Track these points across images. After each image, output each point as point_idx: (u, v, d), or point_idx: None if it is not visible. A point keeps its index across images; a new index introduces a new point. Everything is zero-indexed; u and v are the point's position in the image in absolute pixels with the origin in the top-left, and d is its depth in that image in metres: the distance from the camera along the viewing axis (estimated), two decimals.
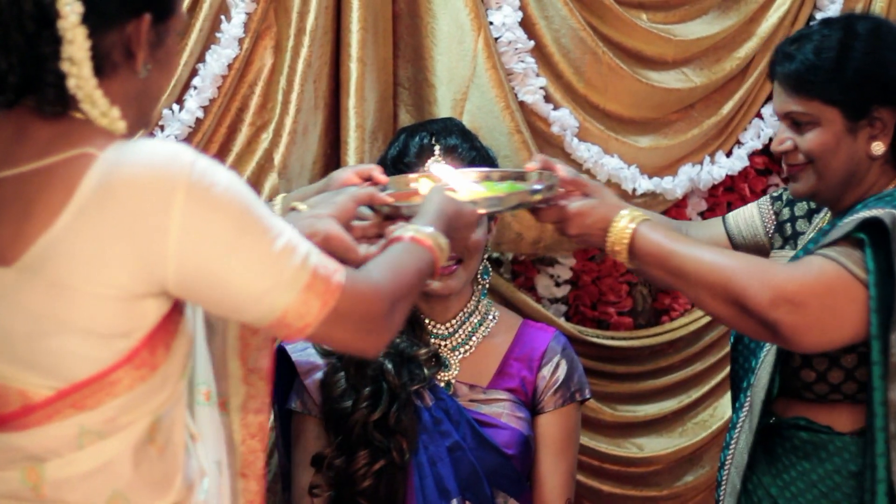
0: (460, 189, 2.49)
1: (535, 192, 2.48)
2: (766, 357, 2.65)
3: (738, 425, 2.74)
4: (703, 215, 3.76)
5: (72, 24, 1.80)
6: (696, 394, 3.78)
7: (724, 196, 3.79)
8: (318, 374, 2.88)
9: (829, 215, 2.79)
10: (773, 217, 2.93)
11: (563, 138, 3.44)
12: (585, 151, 3.47)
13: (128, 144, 1.82)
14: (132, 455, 1.86)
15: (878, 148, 2.63)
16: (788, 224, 2.88)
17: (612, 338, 3.66)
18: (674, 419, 3.78)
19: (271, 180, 3.16)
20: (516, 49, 3.35)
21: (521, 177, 2.58)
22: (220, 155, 3.14)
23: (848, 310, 2.41)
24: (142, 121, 1.95)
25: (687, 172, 3.63)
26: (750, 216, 2.98)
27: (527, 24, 3.37)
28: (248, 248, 1.82)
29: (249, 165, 3.15)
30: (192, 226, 1.77)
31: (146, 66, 1.90)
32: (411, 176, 2.61)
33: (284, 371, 2.93)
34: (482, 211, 2.44)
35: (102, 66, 1.84)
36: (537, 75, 3.39)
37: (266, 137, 3.18)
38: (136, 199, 1.76)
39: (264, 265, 1.83)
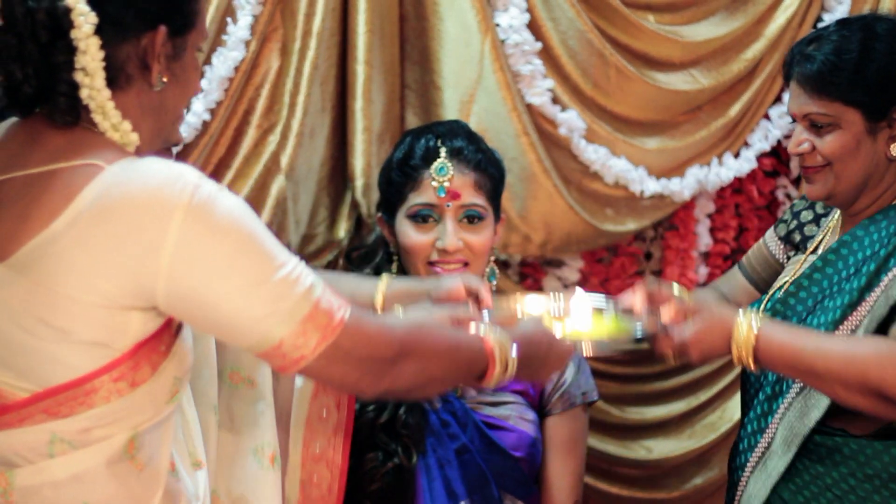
0: (570, 320, 2.46)
1: (638, 340, 2.45)
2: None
3: (766, 430, 2.71)
4: (711, 217, 3.76)
5: (85, 34, 1.80)
6: (704, 396, 3.77)
7: (732, 198, 3.78)
8: None
9: (838, 216, 2.78)
10: (782, 244, 2.92)
11: (570, 140, 3.43)
12: (593, 153, 3.46)
13: (136, 161, 1.82)
14: (107, 469, 1.85)
15: None
16: (796, 232, 2.88)
17: None
18: (682, 421, 3.77)
19: (278, 182, 3.16)
20: (523, 51, 3.34)
21: (628, 311, 2.52)
22: (227, 157, 3.14)
23: None
24: (159, 136, 1.94)
25: (695, 174, 3.62)
26: (762, 256, 2.97)
27: (534, 26, 3.36)
28: (244, 273, 1.80)
29: (256, 168, 3.15)
30: (186, 245, 1.76)
31: (161, 78, 1.89)
32: (517, 298, 2.57)
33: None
34: (579, 350, 2.41)
35: (116, 78, 1.85)
36: (544, 77, 3.39)
37: (273, 140, 3.18)
38: (134, 214, 1.75)
39: (261, 292, 1.81)
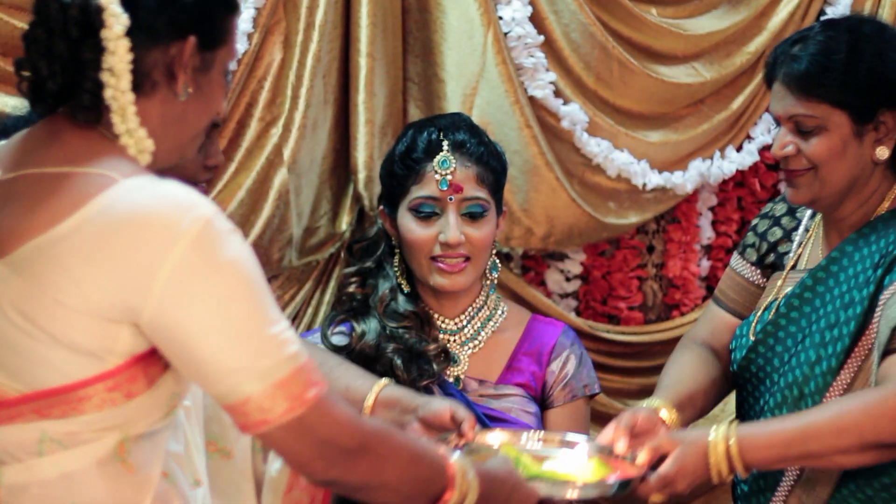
0: (548, 462, 2.46)
1: (614, 489, 2.40)
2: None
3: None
4: (714, 210, 3.76)
5: (116, 34, 1.80)
6: None
7: (735, 191, 3.78)
8: None
9: (818, 224, 2.74)
10: (756, 269, 2.86)
11: (572, 133, 3.43)
12: (595, 146, 3.46)
13: (155, 180, 1.80)
14: (97, 470, 1.83)
15: (883, 153, 2.60)
16: (769, 254, 2.83)
17: (623, 332, 3.66)
18: None
19: (281, 175, 3.16)
20: (526, 44, 3.34)
21: (608, 451, 2.51)
22: (230, 150, 3.13)
23: None
24: (175, 150, 1.92)
25: (697, 167, 3.63)
26: (736, 284, 2.89)
27: (536, 19, 3.36)
28: (233, 320, 1.77)
29: (259, 160, 3.14)
30: (183, 275, 1.74)
31: (187, 89, 1.88)
32: (495, 436, 2.59)
33: None
34: (545, 493, 2.35)
35: (141, 83, 1.84)
36: (547, 70, 3.39)
37: (275, 132, 3.17)
38: (139, 232, 1.74)
39: (244, 344, 1.77)
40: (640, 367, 3.70)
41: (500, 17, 3.32)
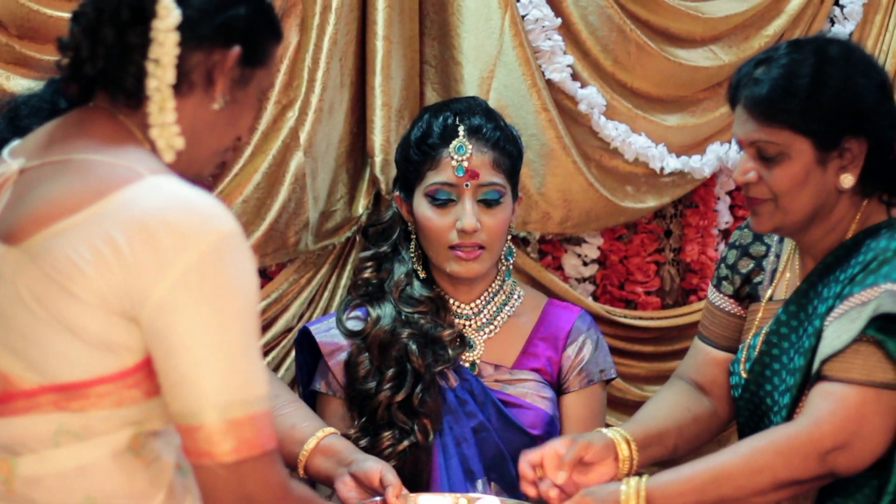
0: None
1: None
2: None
3: None
4: (732, 194, 3.74)
5: (167, 26, 1.81)
6: None
7: None
8: (343, 355, 2.88)
9: (793, 251, 2.69)
10: (730, 299, 2.81)
11: (590, 116, 3.42)
12: (613, 130, 3.45)
13: (183, 184, 1.80)
14: (112, 462, 1.82)
15: (847, 180, 2.50)
16: (744, 286, 2.78)
17: (640, 317, 3.65)
18: None
19: (297, 158, 3.16)
20: (543, 27, 3.33)
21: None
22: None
23: (889, 419, 2.40)
24: (192, 164, 1.91)
25: (715, 151, 3.61)
26: (719, 319, 2.83)
27: (554, 2, 3.35)
28: (219, 342, 1.75)
29: (275, 143, 3.14)
30: (186, 285, 1.73)
31: (224, 96, 1.89)
32: (425, 500, 2.62)
33: (309, 352, 2.93)
34: None
35: (180, 82, 1.84)
36: (564, 53, 3.38)
37: (292, 115, 3.17)
38: (154, 233, 1.73)
39: (221, 368, 1.75)
40: (657, 352, 3.69)
41: (518, 0, 3.30)
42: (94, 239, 1.74)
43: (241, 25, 1.89)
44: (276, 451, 1.83)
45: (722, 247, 3.72)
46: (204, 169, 1.95)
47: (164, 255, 1.73)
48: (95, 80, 1.87)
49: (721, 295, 2.82)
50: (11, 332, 1.80)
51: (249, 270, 1.79)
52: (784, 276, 2.70)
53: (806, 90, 2.46)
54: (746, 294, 2.78)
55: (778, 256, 2.73)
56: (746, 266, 2.78)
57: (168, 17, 1.81)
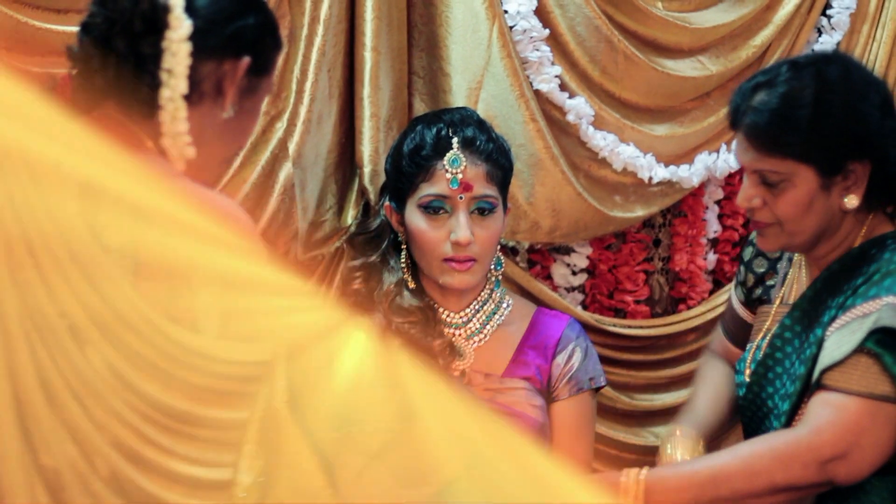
0: None
1: None
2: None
3: None
4: (720, 203, 3.75)
5: (180, 37, 1.83)
6: None
7: (741, 184, 3.76)
8: None
9: (800, 258, 2.72)
10: (743, 306, 2.87)
11: (578, 127, 3.43)
12: (601, 140, 3.46)
13: (199, 186, 1.82)
14: None
15: (852, 201, 2.52)
16: (757, 287, 2.82)
17: (629, 326, 3.65)
18: None
19: (286, 169, 3.16)
20: (531, 37, 3.34)
21: None
22: None
23: (888, 430, 2.41)
24: (202, 171, 1.93)
25: (703, 161, 3.62)
26: (731, 314, 2.93)
27: (542, 13, 3.36)
28: None
29: (264, 155, 3.14)
30: None
31: (234, 106, 1.90)
32: None
33: None
34: None
35: (191, 92, 1.87)
36: (552, 64, 3.38)
37: (280, 127, 3.17)
38: None
39: None
40: (646, 361, 3.70)
41: (506, 11, 3.31)
42: None
43: (250, 36, 1.92)
44: None
45: (711, 255, 3.74)
46: (211, 176, 1.97)
47: None
48: (105, 90, 1.87)
49: (738, 299, 2.89)
50: None
51: None
52: (795, 280, 2.72)
53: (807, 121, 2.46)
54: (757, 297, 2.81)
55: (790, 260, 2.76)
56: (761, 266, 2.82)
57: (180, 28, 1.83)
